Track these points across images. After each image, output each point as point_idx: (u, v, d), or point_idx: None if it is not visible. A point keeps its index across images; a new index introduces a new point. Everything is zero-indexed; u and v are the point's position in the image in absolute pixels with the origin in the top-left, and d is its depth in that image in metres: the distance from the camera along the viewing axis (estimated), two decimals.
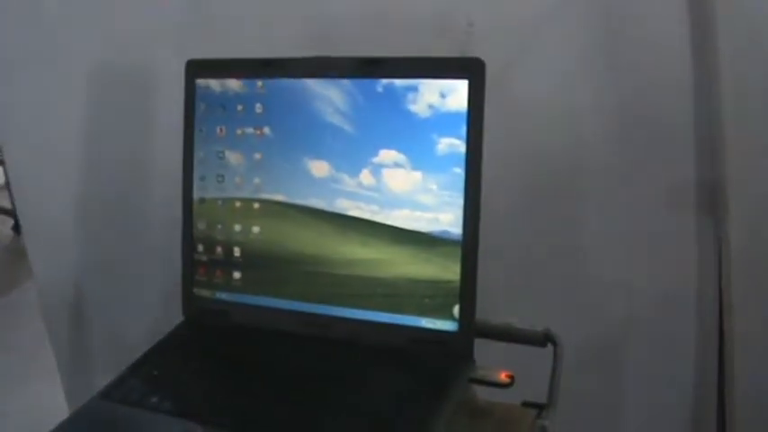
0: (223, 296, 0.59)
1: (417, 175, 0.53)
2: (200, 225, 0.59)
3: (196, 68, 0.58)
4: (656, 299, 0.67)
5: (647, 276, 0.67)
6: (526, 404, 0.52)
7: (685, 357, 0.68)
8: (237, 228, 0.58)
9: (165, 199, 0.73)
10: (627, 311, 0.68)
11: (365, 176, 0.54)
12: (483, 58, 0.51)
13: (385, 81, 0.53)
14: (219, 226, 0.59)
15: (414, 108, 0.53)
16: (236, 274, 0.58)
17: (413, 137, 0.53)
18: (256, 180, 0.57)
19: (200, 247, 0.59)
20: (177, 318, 0.59)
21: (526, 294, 0.67)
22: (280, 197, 0.57)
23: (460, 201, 0.51)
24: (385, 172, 0.54)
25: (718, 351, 0.66)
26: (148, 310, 0.73)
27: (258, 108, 0.57)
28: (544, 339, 0.53)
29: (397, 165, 0.53)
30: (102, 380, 0.53)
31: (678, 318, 0.67)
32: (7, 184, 0.86)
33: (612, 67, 0.64)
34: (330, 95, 0.55)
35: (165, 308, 0.62)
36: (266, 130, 0.57)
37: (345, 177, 0.55)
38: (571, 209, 0.67)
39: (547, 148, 0.65)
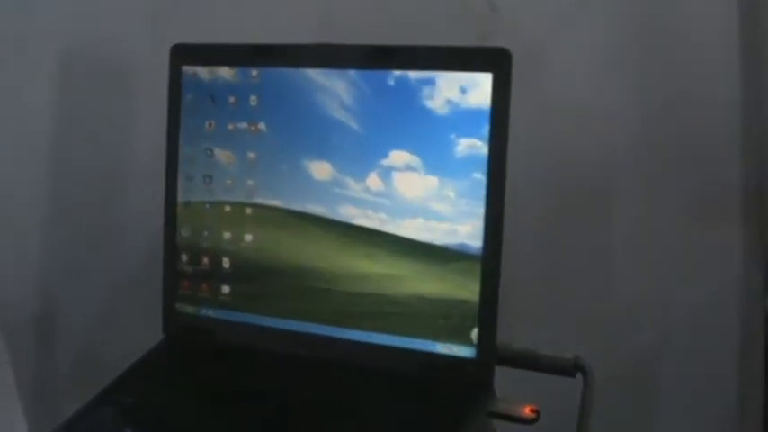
0: (209, 313, 0.58)
1: (432, 180, 0.52)
2: (185, 232, 0.59)
3: (182, 54, 0.58)
4: (696, 319, 0.67)
5: (686, 294, 0.67)
6: None
7: (729, 387, 0.67)
8: (227, 236, 0.58)
9: (144, 202, 0.72)
10: (663, 334, 0.68)
11: (373, 181, 0.53)
12: (509, 48, 0.50)
13: (397, 73, 0.53)
14: (206, 233, 0.58)
15: (430, 104, 0.52)
16: (225, 288, 0.58)
17: (428, 137, 0.52)
18: (249, 182, 0.57)
19: (184, 257, 0.59)
20: (156, 336, 0.59)
21: (552, 315, 0.66)
22: (276, 202, 0.56)
23: (481, 210, 0.51)
24: (395, 176, 0.53)
25: (764, 379, 0.66)
26: (123, 328, 0.72)
27: (252, 100, 0.56)
28: (573, 368, 0.52)
29: (409, 168, 0.53)
30: (69, 407, 0.52)
31: (720, 341, 0.67)
32: None
33: (651, 60, 0.64)
34: (335, 88, 0.54)
35: (142, 325, 0.61)
36: (261, 125, 0.56)
37: (350, 181, 0.54)
38: (602, 219, 0.67)
39: (577, 152, 0.65)
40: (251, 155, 0.57)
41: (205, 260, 0.58)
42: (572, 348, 0.52)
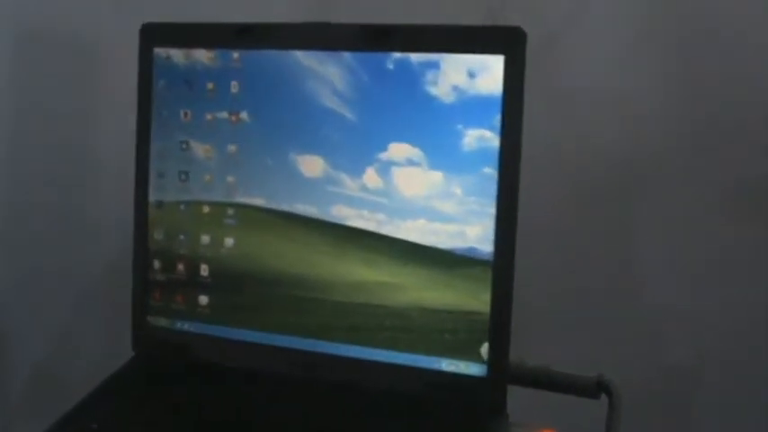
0: (185, 326, 0.58)
1: (437, 175, 0.52)
2: (158, 235, 0.59)
3: (154, 34, 0.58)
4: (731, 333, 0.67)
5: (720, 305, 0.67)
6: None
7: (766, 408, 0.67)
8: (205, 239, 0.57)
9: (110, 202, 0.73)
10: (695, 348, 0.68)
11: (370, 177, 0.54)
12: (522, 27, 0.50)
13: (397, 55, 0.53)
14: (182, 237, 0.58)
15: (434, 90, 0.52)
16: (203, 299, 0.58)
17: (432, 127, 0.52)
18: (230, 179, 0.57)
19: (157, 264, 0.59)
20: (125, 354, 0.59)
21: (572, 328, 0.66)
22: (260, 201, 0.56)
23: (492, 210, 0.51)
24: (395, 171, 0.53)
25: None
26: (88, 344, 0.72)
27: (234, 87, 0.56)
28: (596, 388, 0.52)
29: (410, 162, 0.53)
30: None
31: (758, 357, 0.67)
32: None
33: (681, 41, 0.64)
34: (327, 73, 0.54)
35: (109, 340, 0.61)
36: (244, 115, 0.56)
37: (345, 178, 0.54)
38: (627, 221, 0.67)
39: (599, 145, 0.65)
40: (232, 148, 0.57)
41: (180, 267, 0.58)
42: (595, 365, 0.53)
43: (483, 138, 0.51)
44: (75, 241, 0.75)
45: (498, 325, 0.51)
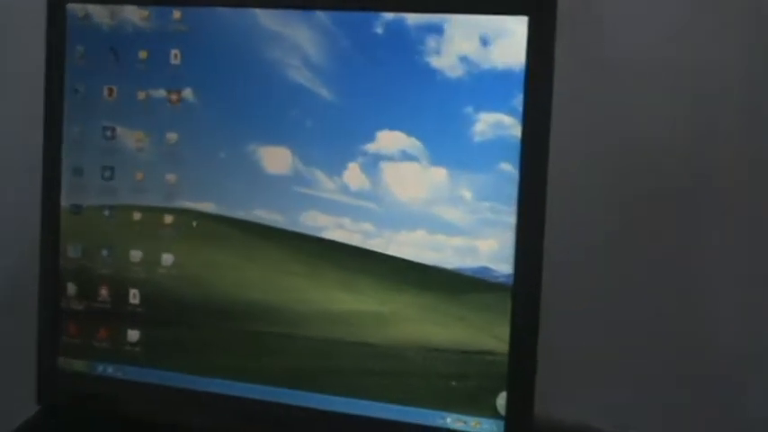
0: (109, 370, 0.58)
1: (440, 173, 0.53)
2: (72, 250, 0.59)
3: None
4: None
5: None
6: None
7: None
8: (136, 256, 0.58)
9: (8, 206, 0.72)
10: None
11: (353, 175, 0.54)
12: None
13: (388, 16, 0.53)
14: (105, 253, 0.58)
15: (436, 62, 0.52)
16: (133, 335, 0.58)
17: (433, 111, 0.53)
18: (170, 177, 0.57)
19: (72, 289, 0.59)
20: (27, 407, 0.58)
21: (614, 373, 0.66)
22: (208, 207, 0.56)
23: (511, 218, 0.51)
24: (386, 168, 0.53)
25: None
26: None
27: (174, 56, 0.56)
28: None
29: (406, 156, 0.53)
30: None
31: None
32: None
33: (750, 7, 0.64)
34: (296, 38, 0.54)
35: (6, 390, 0.60)
36: (187, 93, 0.56)
37: (320, 176, 0.54)
38: (683, 234, 0.67)
39: (647, 137, 0.65)
40: (171, 136, 0.57)
41: (103, 292, 0.58)
42: (642, 422, 0.52)
43: (500, 124, 0.51)
44: None
45: (520, 369, 0.51)
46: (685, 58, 0.65)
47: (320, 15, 0.54)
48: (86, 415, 0.58)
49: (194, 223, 0.56)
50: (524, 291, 0.51)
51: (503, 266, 0.52)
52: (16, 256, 0.64)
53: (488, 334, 0.52)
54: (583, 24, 0.61)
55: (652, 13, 0.65)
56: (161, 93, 0.57)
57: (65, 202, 0.58)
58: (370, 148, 0.53)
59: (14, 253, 0.67)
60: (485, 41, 0.51)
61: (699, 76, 0.65)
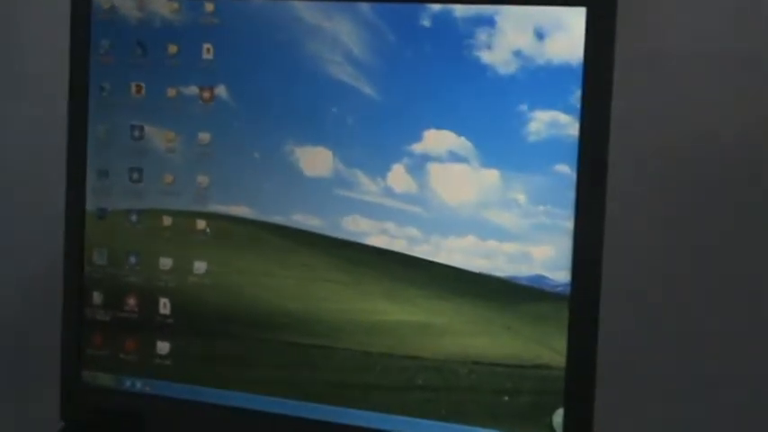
0: (137, 385, 0.59)
1: (492, 175, 0.53)
2: (97, 257, 0.59)
3: None
4: None
5: None
6: None
7: None
8: (166, 263, 0.58)
9: (30, 210, 0.72)
10: None
11: (398, 177, 0.54)
12: None
13: (436, 8, 0.53)
14: (132, 259, 0.59)
15: (487, 57, 0.53)
16: (162, 347, 0.58)
17: (484, 109, 0.53)
18: (201, 179, 0.57)
19: (97, 297, 0.59)
20: (50, 423, 0.59)
21: (682, 388, 0.66)
22: (243, 211, 0.56)
23: (568, 223, 0.52)
24: (433, 170, 0.54)
25: None
26: None
27: (206, 51, 0.57)
28: None
29: (454, 157, 0.53)
30: None
31: None
32: None
33: None
34: (337, 31, 0.55)
35: (27, 404, 0.61)
36: (220, 90, 0.57)
37: (362, 178, 0.55)
38: (755, 240, 0.66)
39: (718, 139, 0.65)
40: (204, 137, 0.57)
41: (131, 302, 0.59)
42: None
43: (556, 123, 0.52)
44: None
45: (578, 384, 0.51)
46: (744, 47, 0.65)
47: (363, 7, 0.54)
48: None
49: (228, 229, 0.57)
50: (583, 300, 0.51)
51: (559, 274, 0.52)
52: (38, 264, 0.64)
53: (544, 346, 0.52)
54: (642, 16, 0.61)
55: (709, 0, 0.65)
56: (192, 90, 0.57)
57: (90, 205, 0.59)
58: (417, 148, 0.54)
59: (36, 260, 0.67)
60: (540, 34, 0.52)
61: (761, 66, 0.65)
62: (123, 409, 0.59)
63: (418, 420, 0.54)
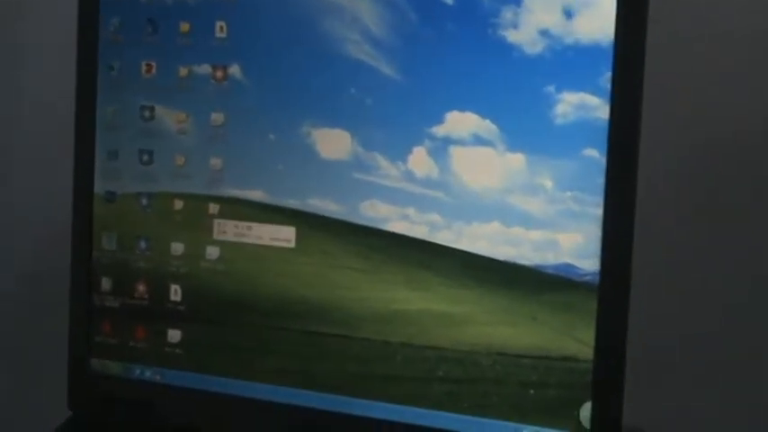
0: (146, 374, 0.58)
1: (517, 159, 0.52)
2: (106, 242, 0.59)
3: None
4: None
5: None
6: None
7: None
8: (177, 248, 0.58)
9: (35, 192, 0.72)
10: None
11: (418, 160, 0.53)
12: None
13: None
14: (143, 244, 0.58)
15: (512, 36, 0.52)
16: (173, 335, 0.58)
17: (510, 90, 0.52)
18: (214, 161, 0.57)
19: (106, 283, 0.59)
20: (58, 412, 0.59)
21: (713, 384, 0.66)
22: (257, 195, 0.56)
23: (597, 210, 0.51)
24: (456, 153, 0.53)
25: None
26: (3, 398, 0.73)
27: (219, 28, 0.56)
28: None
29: (478, 140, 0.52)
30: None
31: None
32: None
33: None
34: (356, 9, 0.54)
35: (34, 393, 0.60)
36: (234, 69, 0.56)
37: (381, 161, 0.54)
38: None
39: (759, 124, 0.64)
40: (216, 117, 0.56)
41: (141, 288, 0.58)
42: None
43: (584, 105, 0.51)
44: None
45: (606, 376, 0.50)
46: None
47: None
48: (121, 422, 0.58)
49: (242, 213, 0.56)
50: (612, 290, 0.50)
51: (587, 263, 0.51)
52: (46, 248, 0.64)
53: (571, 338, 0.51)
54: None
55: None
56: (205, 69, 0.57)
57: (98, 188, 0.59)
58: (439, 130, 0.53)
59: (44, 244, 0.67)
60: (568, 13, 0.51)
61: None
62: (133, 399, 0.59)
63: (439, 413, 0.54)
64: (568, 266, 0.51)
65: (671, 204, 0.63)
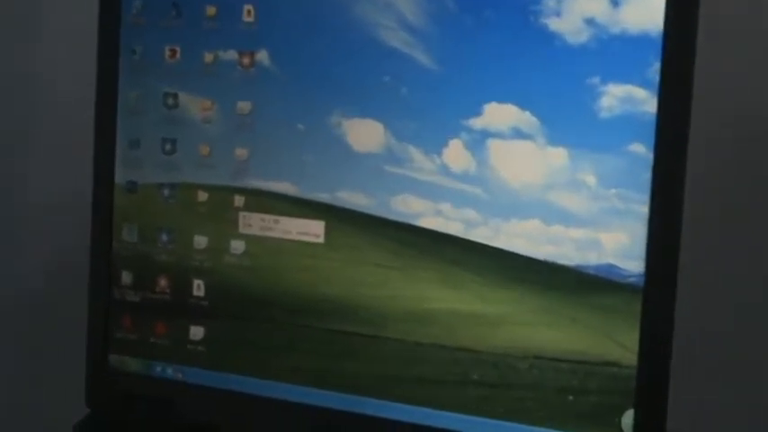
0: (167, 371, 0.58)
1: (559, 154, 0.51)
2: (127, 234, 0.58)
3: None
4: None
5: None
6: None
7: None
8: (201, 242, 0.57)
9: (53, 182, 0.71)
10: None
11: (454, 153, 0.52)
12: None
13: None
14: (165, 237, 0.58)
15: (555, 25, 0.51)
16: (196, 332, 0.57)
17: (552, 81, 0.51)
18: (240, 152, 0.56)
19: (126, 277, 0.58)
20: (76, 409, 0.58)
21: (760, 390, 0.65)
22: (285, 187, 0.55)
23: (643, 209, 0.49)
24: (494, 147, 0.52)
25: None
26: (19, 396, 0.72)
27: (246, 13, 0.56)
28: None
29: (518, 134, 0.51)
30: None
31: None
32: None
33: None
34: None
35: (51, 389, 0.60)
36: (261, 56, 0.55)
37: (415, 154, 0.53)
38: None
39: None
40: (243, 106, 0.56)
41: (162, 283, 0.58)
42: None
43: (631, 98, 0.50)
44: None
45: (650, 383, 0.49)
46: None
47: None
48: (140, 421, 0.58)
49: (268, 206, 0.56)
50: (657, 293, 0.49)
51: (632, 264, 0.50)
52: (64, 240, 0.64)
53: (613, 342, 0.50)
54: None
55: None
56: (231, 55, 0.56)
57: (119, 178, 0.58)
58: (476, 123, 0.52)
59: (63, 236, 0.67)
60: (615, 1, 0.50)
61: None
62: (152, 397, 0.59)
63: (473, 418, 0.53)
64: (611, 267, 0.51)
65: (713, 200, 0.63)
